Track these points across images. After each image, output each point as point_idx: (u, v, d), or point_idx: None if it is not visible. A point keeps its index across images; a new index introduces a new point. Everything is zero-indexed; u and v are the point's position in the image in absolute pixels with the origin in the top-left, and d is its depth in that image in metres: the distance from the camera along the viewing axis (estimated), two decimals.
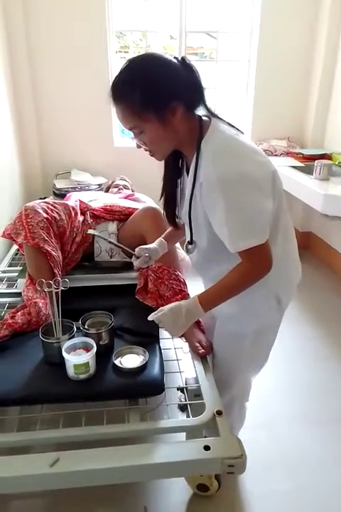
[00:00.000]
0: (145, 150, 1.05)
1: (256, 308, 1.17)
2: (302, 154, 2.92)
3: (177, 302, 1.10)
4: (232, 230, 0.97)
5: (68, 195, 2.14)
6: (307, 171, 2.57)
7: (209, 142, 1.00)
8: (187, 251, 1.18)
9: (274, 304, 1.16)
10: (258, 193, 0.96)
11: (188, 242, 1.16)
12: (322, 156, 2.77)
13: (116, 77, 0.99)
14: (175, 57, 0.98)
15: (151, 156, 1.07)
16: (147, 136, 1.00)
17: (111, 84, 1.00)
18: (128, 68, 0.98)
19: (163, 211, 1.22)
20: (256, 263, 1.01)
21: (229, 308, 1.14)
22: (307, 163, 2.73)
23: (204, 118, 1.04)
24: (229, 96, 3.27)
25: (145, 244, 1.59)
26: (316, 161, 2.46)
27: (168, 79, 0.96)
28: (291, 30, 2.95)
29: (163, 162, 1.14)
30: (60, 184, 2.75)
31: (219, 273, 1.07)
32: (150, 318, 1.11)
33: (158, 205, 1.56)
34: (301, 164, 2.76)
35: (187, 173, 1.09)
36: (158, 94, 0.95)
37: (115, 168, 2.88)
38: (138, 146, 1.06)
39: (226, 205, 0.95)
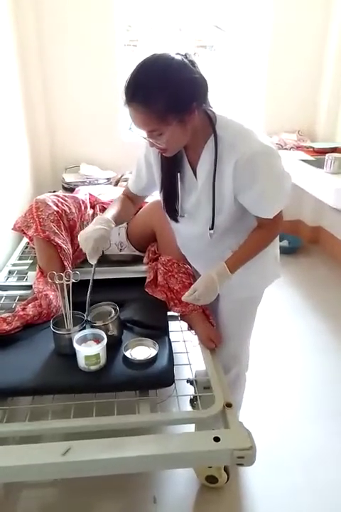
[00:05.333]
0: (159, 149, 1.05)
1: (266, 270, 1.29)
2: (313, 148, 2.89)
3: (206, 274, 1.15)
4: (271, 197, 1.09)
5: (77, 189, 2.15)
6: (318, 164, 2.54)
7: (225, 127, 1.05)
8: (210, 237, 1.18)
9: (276, 261, 1.32)
10: (280, 162, 1.08)
11: (209, 228, 1.16)
12: (334, 150, 2.73)
13: (132, 80, 0.95)
14: (177, 54, 0.96)
15: (163, 153, 1.08)
16: (166, 138, 0.99)
17: (126, 86, 0.96)
18: (146, 71, 0.95)
19: (163, 205, 1.23)
20: (278, 223, 1.15)
21: (243, 276, 1.20)
22: (318, 156, 2.69)
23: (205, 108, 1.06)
24: (240, 89, 3.24)
25: (154, 237, 1.60)
26: (327, 155, 2.44)
27: (188, 81, 0.95)
28: (304, 23, 2.91)
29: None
30: (69, 178, 2.76)
31: (228, 248, 1.18)
32: (185, 299, 1.17)
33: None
34: (312, 158, 2.73)
35: (191, 166, 1.13)
36: (183, 98, 0.95)
37: (124, 162, 2.87)
38: (151, 145, 1.04)
39: (264, 176, 1.04)
